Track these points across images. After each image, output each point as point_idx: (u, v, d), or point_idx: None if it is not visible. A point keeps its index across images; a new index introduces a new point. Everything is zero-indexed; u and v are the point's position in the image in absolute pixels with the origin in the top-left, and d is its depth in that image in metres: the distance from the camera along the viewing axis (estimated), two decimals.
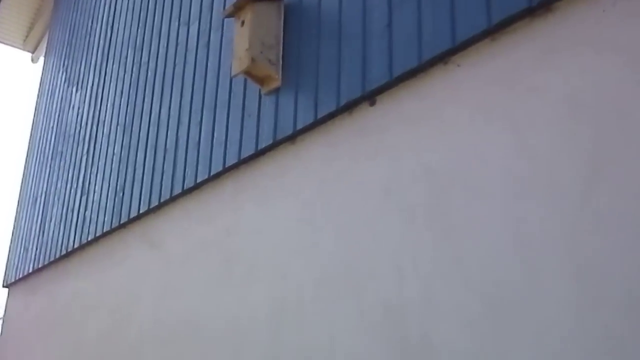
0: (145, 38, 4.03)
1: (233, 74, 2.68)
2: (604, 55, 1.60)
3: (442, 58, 2.00)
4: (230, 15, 2.77)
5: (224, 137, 2.94)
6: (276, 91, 2.66)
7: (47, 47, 6.38)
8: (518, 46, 1.80)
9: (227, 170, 2.91)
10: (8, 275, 5.56)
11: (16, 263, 5.41)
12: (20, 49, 7.08)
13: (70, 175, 4.69)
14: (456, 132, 1.93)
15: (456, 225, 1.86)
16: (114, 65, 4.41)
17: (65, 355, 4.13)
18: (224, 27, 3.16)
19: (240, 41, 2.65)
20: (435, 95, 2.02)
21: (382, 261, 2.05)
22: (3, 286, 5.65)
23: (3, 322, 5.58)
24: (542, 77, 1.72)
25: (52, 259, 4.63)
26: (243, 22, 2.66)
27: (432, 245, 1.91)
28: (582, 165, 1.60)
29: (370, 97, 2.24)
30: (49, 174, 5.17)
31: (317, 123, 2.44)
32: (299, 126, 2.50)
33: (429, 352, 1.84)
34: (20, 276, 5.24)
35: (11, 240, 5.69)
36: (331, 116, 2.39)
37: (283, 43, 2.68)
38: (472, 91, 1.91)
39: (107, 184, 4.02)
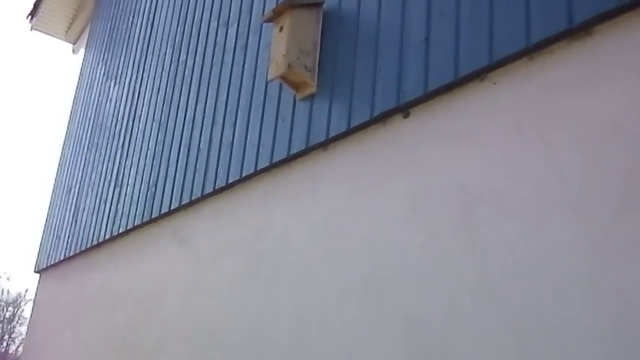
0: (185, 36, 4.09)
1: (269, 78, 2.72)
2: None
3: (479, 74, 2.00)
4: (269, 20, 2.81)
5: (257, 140, 2.98)
6: (311, 97, 2.69)
7: (87, 40, 6.51)
8: (556, 67, 1.80)
9: (258, 173, 2.95)
10: (40, 261, 5.70)
11: (48, 250, 5.54)
12: (63, 40, 7.23)
13: (104, 167, 4.79)
14: (489, 149, 1.93)
15: (483, 240, 1.87)
16: (153, 62, 4.49)
17: (92, 342, 4.22)
18: (262, 30, 3.20)
19: (278, 46, 2.68)
20: (469, 111, 2.03)
21: (407, 272, 2.07)
22: (35, 271, 5.79)
23: (34, 305, 5.72)
24: (579, 99, 1.72)
25: (83, 248, 4.73)
26: (282, 28, 2.69)
27: (458, 259, 1.92)
28: (613, 191, 1.59)
29: (404, 109, 2.26)
30: (84, 164, 5.28)
31: (350, 132, 2.46)
32: (332, 134, 2.52)
33: None
34: (52, 263, 5.37)
35: (44, 228, 5.83)
36: (364, 126, 2.41)
37: (320, 50, 2.71)
38: (507, 109, 1.91)
39: (140, 179, 4.10)
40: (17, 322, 33.53)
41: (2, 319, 33.45)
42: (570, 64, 1.77)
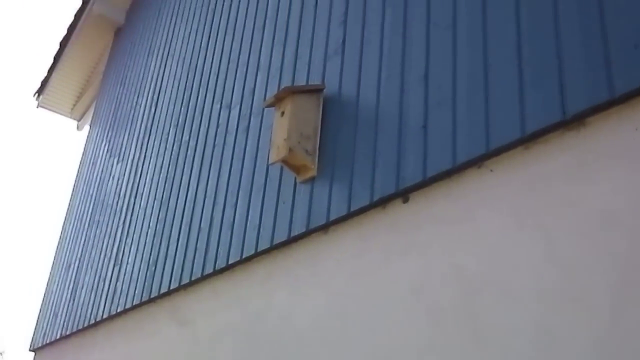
0: (188, 117, 4.18)
1: (271, 162, 2.77)
2: (635, 173, 1.62)
3: (476, 162, 2.04)
4: (270, 105, 2.89)
5: (258, 221, 3.00)
6: (311, 180, 2.72)
7: (92, 117, 6.65)
8: (551, 157, 1.84)
9: (259, 254, 2.95)
10: (35, 339, 5.61)
11: (44, 327, 5.47)
12: (68, 116, 7.38)
13: (104, 244, 4.79)
14: (488, 236, 1.95)
15: (485, 329, 1.86)
16: (156, 141, 4.57)
17: None
18: (264, 113, 3.28)
19: (279, 130, 2.74)
20: (468, 198, 2.06)
21: None
22: (30, 350, 5.69)
23: None
24: (574, 189, 1.75)
25: (80, 326, 4.67)
26: (283, 113, 2.76)
27: (460, 348, 1.90)
28: (613, 282, 1.60)
29: (403, 194, 2.29)
30: (84, 241, 5.28)
31: (350, 215, 2.48)
32: (332, 217, 2.54)
33: None
34: (48, 341, 5.28)
35: (41, 305, 5.77)
36: (364, 210, 2.43)
37: (320, 134, 2.77)
38: (504, 197, 1.94)
39: (140, 257, 4.09)
40: None
41: None
42: (565, 153, 1.82)
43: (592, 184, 1.72)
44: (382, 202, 2.37)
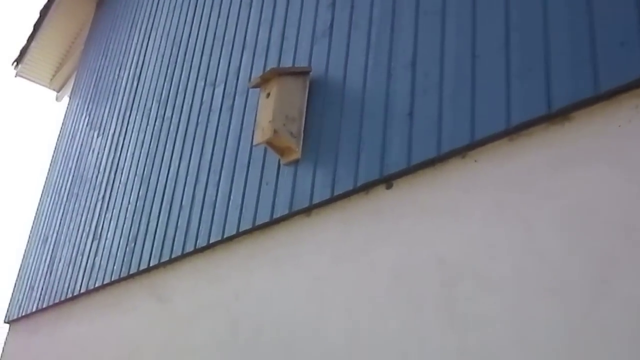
0: (171, 93, 4.14)
1: (255, 143, 2.76)
2: (617, 169, 1.65)
3: (460, 152, 2.06)
4: (256, 86, 2.87)
5: (240, 201, 3.00)
6: (295, 163, 2.73)
7: (72, 89, 6.55)
8: (534, 149, 1.86)
9: (240, 235, 2.96)
10: (11, 312, 5.58)
11: (20, 300, 5.44)
12: (47, 87, 7.26)
13: (83, 218, 4.76)
14: (469, 226, 1.98)
15: (463, 317, 1.89)
16: (137, 116, 4.52)
17: None
18: (249, 93, 3.26)
19: (265, 112, 2.74)
20: (451, 187, 2.08)
21: (388, 344, 2.08)
22: (5, 321, 5.66)
23: (2, 356, 5.57)
24: (556, 183, 1.78)
25: (57, 300, 4.65)
26: (269, 94, 2.75)
27: (439, 334, 1.93)
28: (590, 274, 1.64)
29: (387, 180, 2.30)
30: (62, 215, 5.24)
31: (334, 199, 2.50)
32: (315, 200, 2.56)
33: None
34: (23, 314, 5.26)
35: (17, 277, 5.73)
36: (347, 194, 2.45)
37: (305, 117, 2.77)
38: (487, 187, 1.96)
39: (120, 233, 4.07)
40: None
41: None
42: (548, 146, 1.84)
43: (574, 178, 1.75)
44: (366, 188, 2.38)
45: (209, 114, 3.58)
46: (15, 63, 7.03)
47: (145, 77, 4.67)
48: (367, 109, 2.47)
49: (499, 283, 1.83)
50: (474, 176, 2.02)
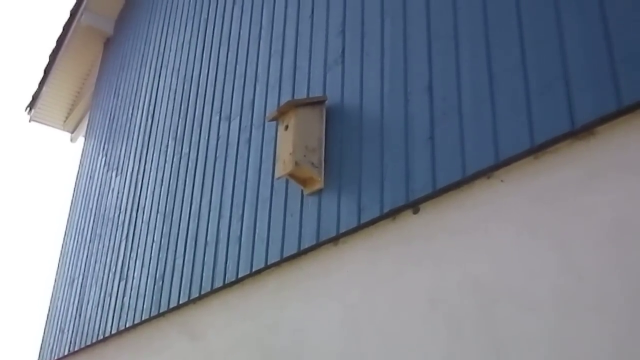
0: (186, 129, 4.18)
1: (277, 176, 2.78)
2: None
3: (486, 172, 2.06)
4: (273, 119, 2.90)
5: (265, 234, 3.01)
6: (319, 192, 2.74)
7: (86, 130, 6.62)
8: (561, 166, 1.86)
9: (269, 267, 2.97)
10: (43, 356, 5.61)
11: (51, 344, 5.47)
12: (61, 129, 7.35)
13: (108, 259, 4.79)
14: (502, 246, 1.97)
15: (504, 339, 1.88)
16: (154, 154, 4.56)
17: None
18: (265, 125, 3.29)
19: (284, 144, 2.76)
20: (479, 208, 2.08)
21: None
22: None
23: None
24: (587, 199, 1.77)
25: (88, 342, 4.67)
26: (287, 127, 2.77)
27: (480, 358, 1.92)
28: (630, 289, 1.63)
29: (413, 205, 2.31)
30: (87, 256, 5.28)
31: (360, 227, 2.50)
32: (342, 229, 2.56)
33: None
34: (56, 358, 5.28)
35: (47, 321, 5.76)
36: (374, 221, 2.45)
37: (325, 146, 2.79)
38: (516, 207, 1.96)
39: (147, 271, 4.10)
40: None
41: None
42: (575, 163, 1.84)
43: (604, 193, 1.75)
44: (392, 214, 2.38)
45: (226, 148, 3.61)
46: (28, 108, 7.13)
47: (159, 114, 4.72)
48: (387, 135, 2.48)
49: (538, 303, 1.82)
50: (502, 196, 2.02)
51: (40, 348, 5.71)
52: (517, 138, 1.96)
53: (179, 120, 4.35)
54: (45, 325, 5.76)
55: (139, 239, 4.36)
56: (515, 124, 1.99)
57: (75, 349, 4.89)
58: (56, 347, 5.33)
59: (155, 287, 3.91)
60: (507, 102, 2.04)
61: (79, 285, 5.24)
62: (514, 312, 1.87)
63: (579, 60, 1.86)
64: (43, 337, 5.74)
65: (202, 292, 3.41)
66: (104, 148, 5.78)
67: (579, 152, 1.84)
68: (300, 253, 2.79)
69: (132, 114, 5.30)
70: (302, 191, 2.83)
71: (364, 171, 2.55)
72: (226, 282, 3.22)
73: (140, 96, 5.23)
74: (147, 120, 4.93)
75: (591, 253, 1.73)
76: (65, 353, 5.07)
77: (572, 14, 1.93)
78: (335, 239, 2.63)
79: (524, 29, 2.05)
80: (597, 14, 1.86)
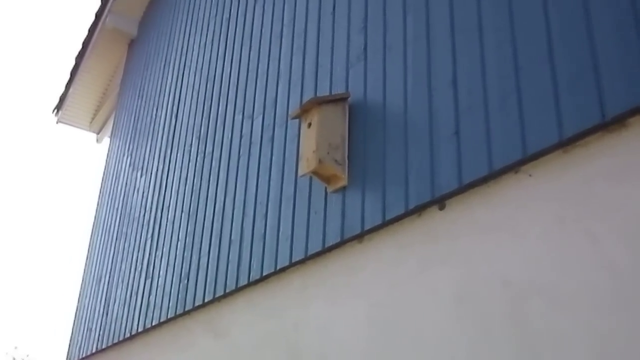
0: (210, 129, 4.19)
1: (300, 174, 2.76)
2: None
3: (513, 167, 2.02)
4: (296, 117, 2.88)
5: (289, 232, 3.00)
6: (342, 190, 2.72)
7: (112, 130, 6.69)
8: (592, 160, 1.82)
9: (293, 265, 2.95)
10: (71, 354, 5.67)
11: (79, 342, 5.53)
12: (87, 130, 7.43)
13: (134, 257, 4.83)
14: (531, 242, 1.93)
15: (536, 336, 1.84)
16: (179, 153, 4.58)
17: None
18: (288, 124, 3.27)
19: (307, 142, 2.74)
20: (507, 204, 2.04)
21: None
22: None
23: None
24: (618, 192, 1.73)
25: (115, 340, 4.71)
26: (310, 124, 2.76)
27: (511, 356, 1.89)
28: None
29: (439, 201, 2.27)
30: (114, 255, 5.32)
31: (385, 224, 2.47)
32: (367, 226, 2.54)
33: None
34: (84, 355, 5.34)
35: (74, 318, 5.83)
36: (399, 218, 2.42)
37: (348, 143, 2.76)
38: (545, 201, 1.92)
39: (172, 270, 4.12)
40: None
41: None
42: (606, 156, 1.79)
43: (636, 186, 1.70)
44: (418, 210, 2.35)
45: (249, 147, 3.60)
46: (55, 110, 7.22)
47: (183, 114, 4.73)
48: (411, 130, 2.45)
49: (569, 299, 1.78)
50: (530, 191, 1.98)
51: (69, 346, 5.78)
52: (545, 131, 1.92)
53: (202, 119, 4.36)
54: (74, 324, 5.83)
55: (164, 237, 4.38)
56: (543, 117, 1.94)
57: (103, 347, 4.93)
58: (84, 344, 5.38)
59: (181, 285, 3.92)
60: (534, 94, 1.99)
61: (106, 283, 5.29)
62: (545, 309, 1.83)
63: (609, 50, 1.81)
64: (71, 335, 5.81)
65: (227, 290, 3.41)
66: (129, 148, 5.83)
67: (610, 144, 1.79)
68: (325, 251, 2.77)
69: (156, 114, 5.34)
70: (325, 189, 2.81)
71: (388, 167, 2.52)
72: (251, 280, 3.22)
73: (164, 96, 5.26)
74: (171, 119, 4.95)
75: (624, 247, 1.68)
76: (93, 351, 5.12)
77: (601, 1, 1.88)
78: (359, 237, 2.61)
79: (551, 18, 2.00)
80: (626, 1, 1.81)
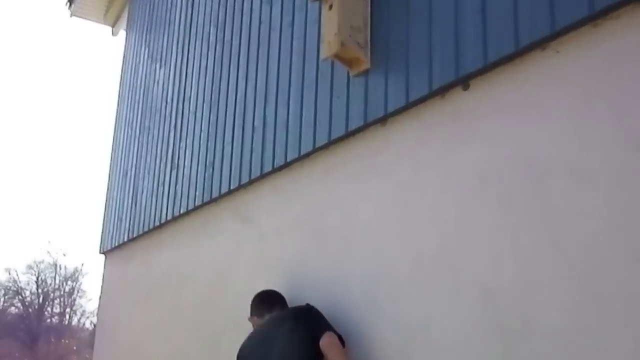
0: (227, 15, 4.11)
1: (322, 57, 2.74)
2: None
3: (540, 44, 1.99)
4: (316, 0, 2.81)
5: (312, 118, 3.02)
6: (365, 73, 2.70)
7: (127, 22, 6.58)
8: (623, 34, 1.78)
9: (317, 150, 2.99)
10: (104, 243, 5.92)
11: (111, 231, 5.74)
12: (102, 23, 7.32)
13: (158, 149, 4.90)
14: (556, 119, 1.93)
15: (557, 211, 1.88)
16: (197, 43, 4.53)
17: (164, 319, 4.40)
18: (308, 7, 3.20)
19: (329, 25, 2.69)
20: (532, 82, 2.02)
21: (479, 245, 2.11)
22: (100, 252, 6.02)
23: (102, 286, 5.97)
24: None
25: (145, 229, 4.89)
26: (331, 6, 2.69)
27: (532, 230, 1.94)
28: None
29: (463, 81, 2.26)
30: (138, 148, 5.41)
31: (409, 106, 2.48)
32: (390, 109, 2.54)
33: (528, 335, 1.89)
34: (116, 244, 5.57)
35: (105, 210, 6.03)
36: (423, 99, 2.42)
37: (371, 25, 2.71)
38: (572, 78, 1.90)
39: (197, 160, 4.19)
40: (77, 295, 35.03)
41: (62, 293, 34.93)
42: (638, 29, 1.75)
43: None
44: (442, 91, 2.35)
45: (269, 33, 3.55)
46: (68, 3, 7.09)
47: (200, 2, 4.63)
48: (435, 9, 2.40)
49: (591, 175, 1.80)
50: (557, 68, 1.95)
51: (101, 236, 6.01)
52: (575, 5, 1.87)
53: (219, 6, 4.27)
54: (104, 215, 6.03)
55: (187, 128, 4.43)
56: None
57: (134, 236, 5.13)
58: (116, 234, 5.60)
59: (206, 174, 4.01)
60: None
61: (133, 176, 5.42)
62: (567, 184, 1.87)
63: None
64: (103, 226, 6.03)
65: (252, 177, 3.49)
66: (146, 40, 5.76)
67: None
68: (348, 135, 2.80)
69: (171, 3, 5.22)
70: (348, 72, 2.80)
71: (411, 48, 2.48)
72: (275, 166, 3.28)
73: None
74: (187, 9, 4.85)
75: None
76: (125, 239, 5.33)
77: None
78: (383, 120, 2.62)
79: None
80: None
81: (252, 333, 2.92)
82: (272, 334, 2.68)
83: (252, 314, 3.00)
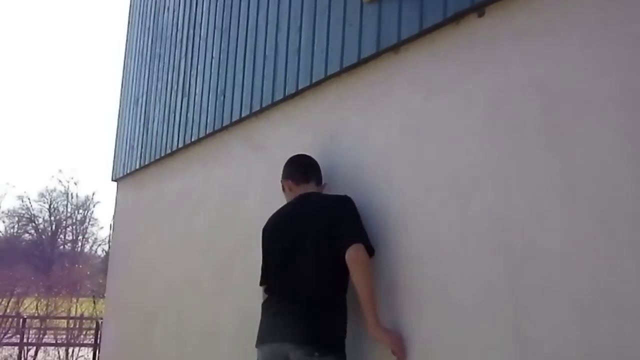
0: None
1: None
2: None
3: None
4: None
5: (325, 45, 3.00)
6: (378, 0, 2.66)
7: None
8: None
9: (328, 78, 2.99)
10: (116, 170, 5.99)
11: (123, 159, 5.81)
12: None
13: (169, 77, 4.90)
14: (570, 46, 1.92)
15: (568, 139, 1.90)
16: None
17: (177, 244, 4.51)
18: None
19: None
20: (549, 8, 2.00)
21: (488, 172, 2.14)
22: (112, 180, 6.11)
23: (115, 212, 6.09)
24: None
25: (157, 157, 4.95)
26: None
27: (541, 158, 1.96)
28: None
29: (478, 8, 2.23)
30: (149, 75, 5.40)
31: (422, 33, 2.46)
32: (403, 36, 2.53)
33: (534, 260, 1.94)
34: (128, 172, 5.64)
35: (116, 138, 6.08)
36: (437, 27, 2.40)
37: None
38: (588, 4, 1.88)
39: (208, 87, 4.19)
40: (88, 224, 35.71)
41: (74, 221, 35.61)
42: None
43: None
44: (456, 18, 2.32)
45: None
46: None
47: None
48: None
49: (603, 101, 1.81)
50: None
51: (113, 163, 6.09)
52: None
53: None
54: (116, 143, 6.08)
55: (198, 55, 4.41)
56: None
57: (145, 163, 5.19)
58: (128, 162, 5.66)
59: (217, 102, 4.02)
60: None
61: (144, 103, 5.43)
62: (579, 111, 1.87)
63: None
64: (114, 154, 6.09)
65: (263, 105, 3.50)
66: None
67: None
68: (360, 62, 2.79)
69: None
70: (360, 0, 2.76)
71: None
72: (286, 94, 3.28)
73: None
74: None
75: None
76: (137, 167, 5.40)
77: None
78: (396, 47, 2.61)
79: None
80: None
81: (281, 210, 2.86)
82: (301, 229, 2.62)
83: (286, 177, 2.91)
